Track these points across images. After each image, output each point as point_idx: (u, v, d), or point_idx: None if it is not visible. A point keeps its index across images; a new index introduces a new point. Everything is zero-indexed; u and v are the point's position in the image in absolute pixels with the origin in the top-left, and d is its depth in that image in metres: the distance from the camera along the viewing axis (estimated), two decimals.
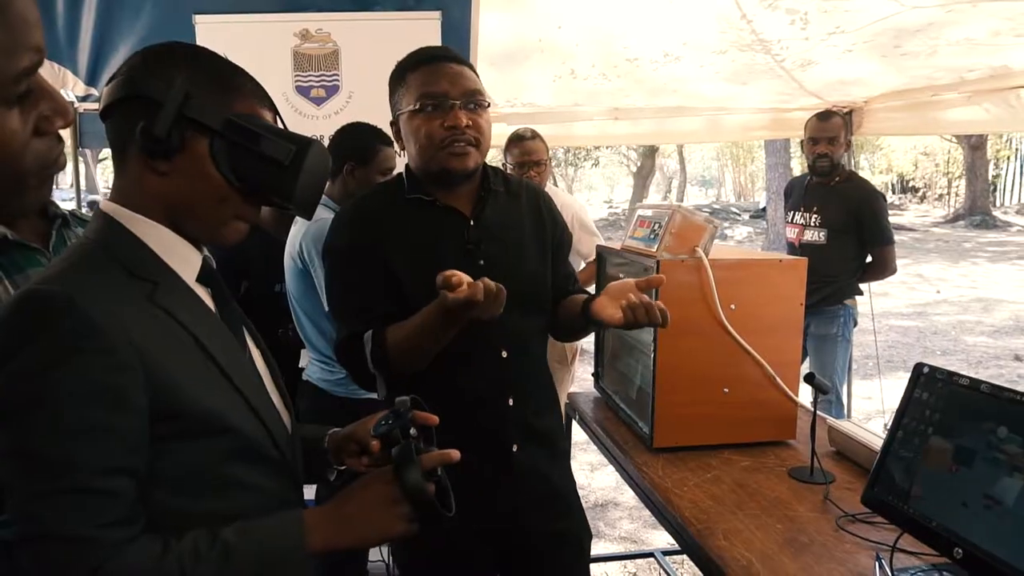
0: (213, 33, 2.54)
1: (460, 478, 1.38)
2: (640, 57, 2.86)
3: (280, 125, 0.91)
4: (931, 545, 1.20)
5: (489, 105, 1.39)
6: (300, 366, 2.30)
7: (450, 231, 1.40)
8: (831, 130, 3.24)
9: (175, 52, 0.86)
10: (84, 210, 1.96)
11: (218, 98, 0.85)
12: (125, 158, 0.86)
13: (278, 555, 0.82)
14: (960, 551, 1.12)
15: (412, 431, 0.93)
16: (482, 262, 1.39)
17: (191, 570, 0.75)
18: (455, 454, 0.92)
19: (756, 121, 3.79)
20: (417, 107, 1.33)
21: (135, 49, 2.79)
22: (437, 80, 1.33)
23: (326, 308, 2.10)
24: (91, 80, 2.93)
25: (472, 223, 1.41)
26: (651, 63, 2.91)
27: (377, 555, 2.15)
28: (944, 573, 1.23)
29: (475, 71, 1.39)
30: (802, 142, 3.43)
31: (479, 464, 1.38)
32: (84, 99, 3.02)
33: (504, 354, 1.40)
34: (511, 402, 1.42)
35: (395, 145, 2.25)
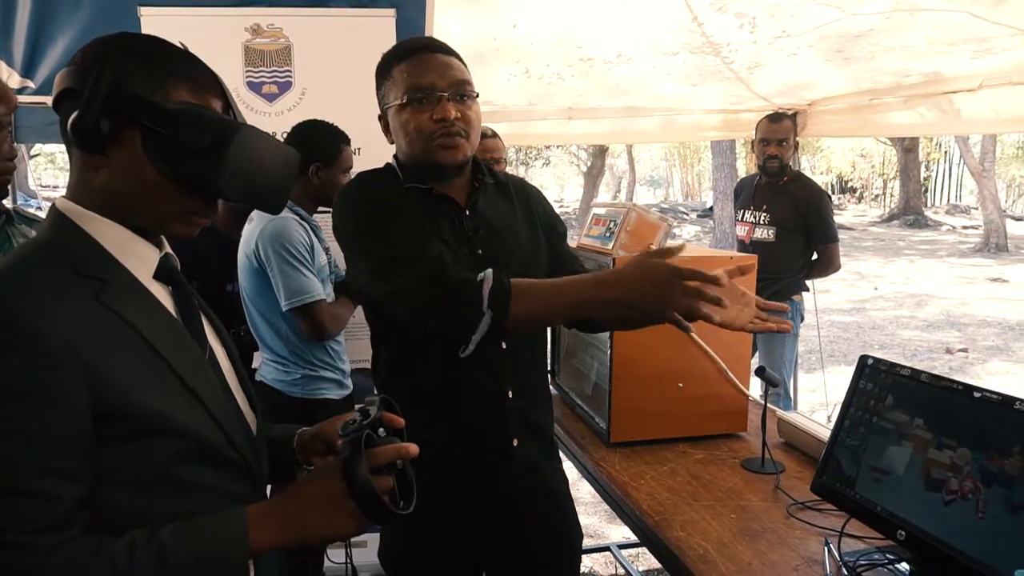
0: (159, 26, 2.46)
1: (459, 474, 1.39)
2: (594, 57, 2.89)
3: (232, 113, 0.88)
4: (876, 528, 1.26)
5: (478, 96, 1.35)
6: (252, 367, 2.26)
7: (448, 219, 1.37)
8: (781, 132, 3.35)
9: (108, 41, 0.83)
10: (34, 209, 1.89)
11: (152, 87, 0.81)
12: (71, 154, 0.84)
13: (218, 553, 0.78)
14: (903, 533, 1.18)
15: (380, 431, 0.89)
16: (480, 251, 1.37)
17: (123, 571, 0.73)
18: (413, 448, 0.88)
19: (707, 121, 3.88)
20: (405, 100, 1.30)
21: (75, 41, 2.72)
22: (424, 72, 1.30)
23: (282, 307, 2.08)
24: (27, 72, 2.81)
25: (468, 212, 1.39)
26: (605, 63, 2.94)
27: (342, 557, 2.13)
28: (888, 555, 1.29)
29: (463, 61, 1.36)
30: (752, 143, 3.54)
31: (479, 458, 1.38)
32: (20, 91, 2.89)
33: (503, 345, 1.37)
34: (510, 394, 1.39)
35: (351, 143, 2.27)
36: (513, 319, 1.19)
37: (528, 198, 1.53)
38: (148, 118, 0.80)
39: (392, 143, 1.41)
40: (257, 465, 0.93)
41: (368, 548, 2.33)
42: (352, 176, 1.66)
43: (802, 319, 3.60)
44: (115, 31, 0.86)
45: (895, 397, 1.30)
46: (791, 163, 3.54)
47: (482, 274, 1.20)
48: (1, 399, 0.70)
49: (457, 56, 1.36)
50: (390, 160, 1.45)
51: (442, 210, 1.38)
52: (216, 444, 0.85)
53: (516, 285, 1.20)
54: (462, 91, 1.32)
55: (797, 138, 3.56)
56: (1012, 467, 1.07)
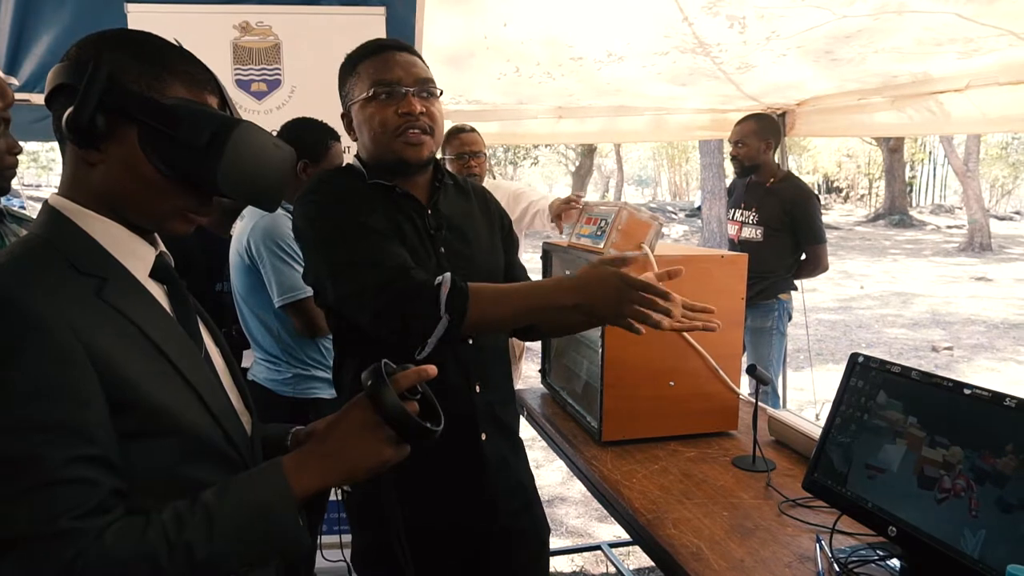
0: (146, 23, 2.44)
1: (430, 470, 1.38)
2: (584, 56, 2.90)
3: (228, 110, 0.87)
4: (867, 525, 1.26)
5: (441, 94, 1.39)
6: (243, 367, 2.25)
7: (411, 217, 1.39)
8: (737, 134, 3.37)
9: (103, 37, 0.82)
10: (17, 208, 1.86)
11: (147, 83, 0.81)
12: (65, 151, 0.83)
13: (263, 505, 0.78)
14: (894, 529, 1.19)
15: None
16: (442, 249, 1.39)
17: (175, 539, 0.73)
18: (432, 369, 0.88)
19: (696, 121, 3.89)
20: (370, 95, 1.32)
21: (60, 38, 2.69)
22: (390, 68, 1.32)
23: (275, 303, 2.06)
24: (10, 69, 2.78)
25: (430, 211, 1.41)
26: (595, 62, 2.95)
27: (338, 555, 2.12)
28: (879, 551, 1.30)
29: (424, 62, 1.39)
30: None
31: (449, 454, 1.37)
32: None
33: (469, 340, 1.39)
34: (478, 388, 1.41)
35: (341, 140, 2.26)
36: (470, 323, 1.22)
37: (487, 204, 1.57)
38: (144, 114, 0.80)
39: (355, 140, 1.41)
40: (253, 464, 0.93)
41: None
42: None
43: (789, 318, 3.62)
44: (101, 28, 0.85)
45: (886, 394, 1.31)
46: (780, 164, 3.56)
47: (440, 277, 1.23)
48: (20, 395, 0.69)
49: (420, 57, 1.39)
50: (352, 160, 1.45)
51: (405, 208, 1.39)
52: (216, 443, 0.85)
53: (474, 290, 1.23)
54: (426, 88, 1.35)
55: (784, 137, 3.59)
56: (1004, 466, 1.07)
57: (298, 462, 0.83)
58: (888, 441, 1.26)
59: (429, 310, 1.20)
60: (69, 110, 0.77)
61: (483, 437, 1.42)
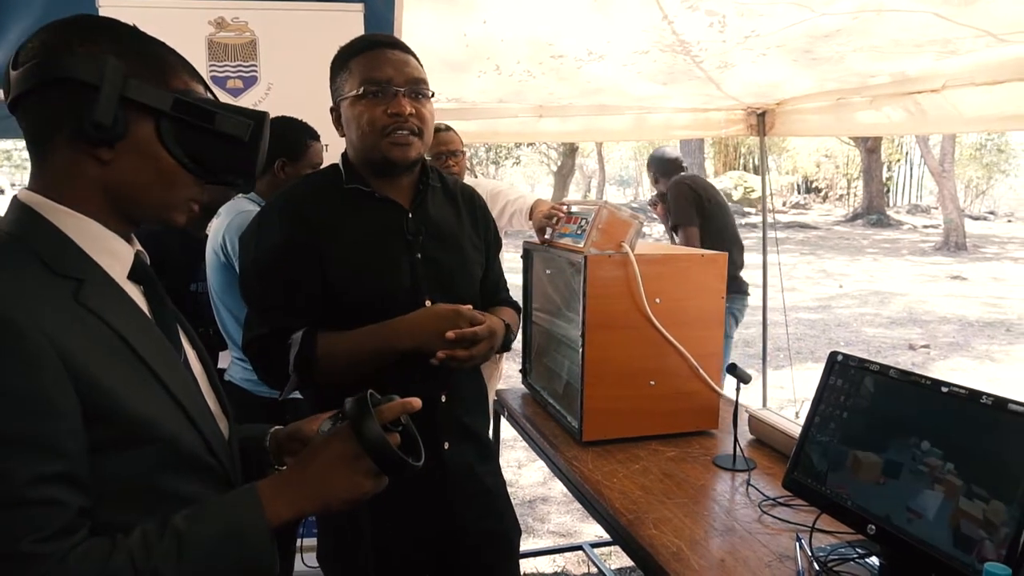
0: (119, 18, 2.39)
1: (392, 480, 1.37)
2: (565, 55, 2.88)
3: (212, 97, 0.86)
4: (847, 523, 1.27)
5: (433, 95, 1.37)
6: (220, 367, 2.21)
7: (389, 223, 1.37)
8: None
9: (99, 26, 0.80)
10: None
11: (155, 75, 0.79)
12: (50, 147, 0.78)
13: (236, 532, 0.76)
14: (873, 527, 1.19)
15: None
16: (419, 255, 1.38)
17: (143, 565, 0.70)
18: (416, 402, 0.88)
19: (677, 120, 3.90)
20: (360, 92, 1.30)
21: (28, 32, 2.62)
22: (381, 66, 1.31)
23: None
24: None
25: (411, 215, 1.39)
26: (575, 61, 2.93)
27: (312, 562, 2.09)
28: (858, 549, 1.30)
29: (419, 61, 1.37)
30: (720, 143, 3.61)
31: None
32: None
33: None
34: (444, 399, 1.41)
35: (321, 139, 2.23)
36: (321, 376, 1.31)
37: (475, 208, 1.55)
38: (175, 109, 0.79)
39: (343, 136, 1.40)
40: (233, 471, 0.90)
41: None
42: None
43: (735, 321, 3.68)
44: None
45: (864, 393, 1.31)
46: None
47: (292, 337, 1.31)
48: None
49: (415, 56, 1.37)
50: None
51: (383, 213, 1.37)
52: (196, 450, 0.82)
53: (322, 345, 1.30)
54: (418, 88, 1.33)
55: (764, 137, 3.64)
56: (980, 463, 1.08)
57: (275, 489, 0.81)
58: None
59: (280, 369, 1.31)
60: (80, 108, 0.74)
61: (446, 446, 1.41)
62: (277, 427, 1.04)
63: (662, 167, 3.93)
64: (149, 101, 0.78)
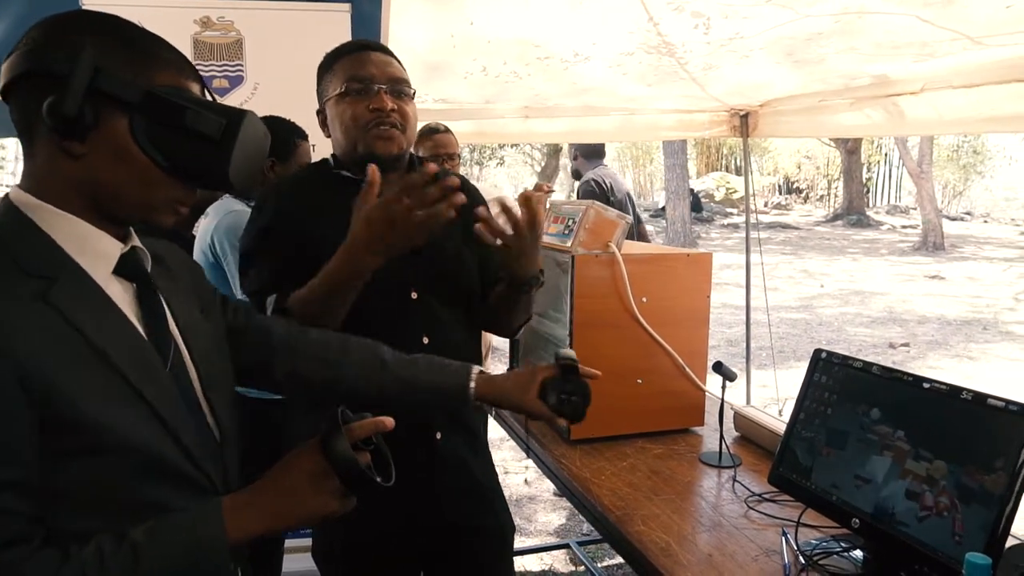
0: None
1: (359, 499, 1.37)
2: (551, 56, 2.90)
3: (208, 97, 0.84)
4: (831, 518, 1.29)
5: (414, 95, 1.39)
6: None
7: None
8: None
9: (82, 19, 0.79)
10: None
11: (135, 69, 0.77)
12: (32, 141, 0.78)
13: (194, 547, 0.74)
14: (857, 521, 1.22)
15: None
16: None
17: None
18: (389, 421, 0.87)
19: (662, 122, 3.92)
20: (343, 90, 1.34)
21: (11, 29, 2.60)
22: (364, 65, 1.35)
23: (237, 299, 2.02)
24: None
25: None
26: (562, 62, 2.95)
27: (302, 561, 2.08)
28: (842, 543, 1.32)
29: (402, 64, 1.40)
30: (702, 143, 3.62)
31: (403, 454, 1.37)
32: None
33: (426, 340, 1.38)
34: None
35: (309, 139, 2.23)
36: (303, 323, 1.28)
37: (469, 200, 1.53)
38: (141, 103, 0.76)
39: (329, 136, 1.43)
40: (222, 480, 0.87)
41: None
42: None
43: None
44: None
45: (848, 389, 1.33)
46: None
47: (268, 299, 1.32)
48: None
49: (398, 59, 1.41)
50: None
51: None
52: (173, 460, 0.79)
53: (293, 296, 1.29)
54: (399, 87, 1.37)
55: (747, 139, 3.67)
56: (963, 458, 1.11)
57: (239, 504, 0.79)
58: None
59: None
60: (50, 99, 0.72)
61: (438, 437, 1.42)
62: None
63: (583, 148, 4.18)
64: (121, 94, 0.75)
